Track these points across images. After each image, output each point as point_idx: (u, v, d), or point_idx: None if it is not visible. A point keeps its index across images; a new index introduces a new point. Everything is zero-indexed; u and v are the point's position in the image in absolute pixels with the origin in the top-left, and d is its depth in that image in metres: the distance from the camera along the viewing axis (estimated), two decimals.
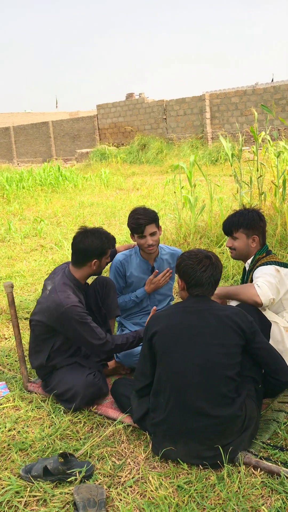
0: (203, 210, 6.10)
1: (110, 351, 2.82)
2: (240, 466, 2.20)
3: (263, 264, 2.83)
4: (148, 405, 2.42)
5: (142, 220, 3.12)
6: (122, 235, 7.21)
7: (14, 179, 13.97)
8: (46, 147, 26.87)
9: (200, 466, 2.23)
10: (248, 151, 14.80)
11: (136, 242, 3.28)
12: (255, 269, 2.85)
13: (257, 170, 5.94)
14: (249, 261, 2.96)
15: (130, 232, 3.27)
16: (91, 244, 2.86)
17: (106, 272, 4.80)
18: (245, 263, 3.01)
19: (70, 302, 2.73)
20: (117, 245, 3.60)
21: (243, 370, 2.35)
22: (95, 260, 2.90)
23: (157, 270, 3.29)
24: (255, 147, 7.68)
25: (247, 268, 2.99)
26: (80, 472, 2.21)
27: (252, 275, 2.84)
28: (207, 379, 2.21)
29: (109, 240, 2.96)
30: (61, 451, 2.41)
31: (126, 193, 11.87)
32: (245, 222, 2.89)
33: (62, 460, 2.29)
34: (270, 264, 2.82)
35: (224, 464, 2.19)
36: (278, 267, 2.80)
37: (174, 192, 6.52)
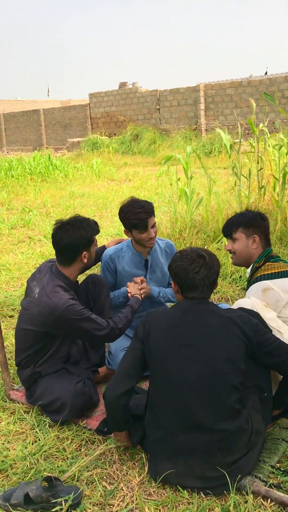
0: (199, 204, 5.81)
1: (117, 336, 2.64)
2: (247, 495, 1.95)
3: (255, 280, 2.57)
4: (144, 426, 2.16)
5: (144, 214, 2.87)
6: (114, 228, 6.93)
7: (3, 167, 13.61)
8: (37, 136, 26.38)
9: (202, 494, 1.98)
10: (242, 144, 14.53)
11: (132, 237, 3.00)
12: (252, 282, 2.59)
13: (258, 163, 5.67)
14: (248, 270, 2.69)
15: (125, 228, 3.00)
16: (74, 237, 2.58)
17: (97, 268, 4.53)
18: (247, 268, 2.73)
19: (64, 302, 2.46)
20: (106, 242, 3.34)
21: (246, 380, 2.10)
22: (84, 252, 2.63)
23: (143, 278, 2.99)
24: (252, 140, 7.42)
25: (248, 277, 2.72)
26: (66, 501, 1.95)
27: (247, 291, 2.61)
28: (210, 389, 1.97)
29: (92, 226, 2.67)
30: (45, 473, 2.15)
31: (118, 184, 11.57)
32: (244, 220, 2.65)
33: (46, 484, 2.03)
34: (261, 279, 2.54)
35: (230, 493, 1.93)
36: (268, 284, 2.49)
37: (170, 184, 6.24)
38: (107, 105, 22.72)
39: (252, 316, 2.18)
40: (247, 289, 2.68)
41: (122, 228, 7.12)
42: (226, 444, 1.96)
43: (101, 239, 6.21)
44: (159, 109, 20.70)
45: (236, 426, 1.96)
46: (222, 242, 4.94)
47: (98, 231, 2.73)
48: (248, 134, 16.37)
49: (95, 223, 2.75)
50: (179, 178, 6.07)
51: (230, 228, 2.69)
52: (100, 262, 3.25)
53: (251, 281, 2.61)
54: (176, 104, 20.10)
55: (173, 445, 2.01)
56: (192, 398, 1.98)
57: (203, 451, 1.96)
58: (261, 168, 5.65)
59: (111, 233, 6.64)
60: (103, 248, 3.25)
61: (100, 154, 18.28)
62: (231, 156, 6.08)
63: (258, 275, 2.57)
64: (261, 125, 7.14)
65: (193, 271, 2.11)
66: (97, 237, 2.78)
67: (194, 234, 5.28)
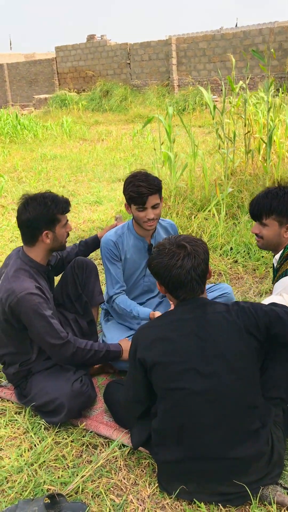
0: (184, 169, 5.53)
1: (70, 356, 2.29)
2: (271, 505, 1.80)
3: (285, 273, 2.28)
4: (149, 429, 1.97)
5: (145, 189, 2.54)
6: (92, 194, 6.58)
7: None
8: (1, 92, 25.13)
9: (221, 506, 1.82)
10: (216, 101, 14.06)
11: (132, 215, 2.72)
12: (282, 274, 2.31)
13: (245, 125, 5.39)
14: (277, 256, 2.42)
15: (126, 201, 2.70)
16: (33, 213, 2.31)
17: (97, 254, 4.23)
18: (274, 254, 2.48)
19: (24, 289, 2.21)
20: (85, 211, 3.03)
21: (266, 390, 1.91)
22: (45, 232, 2.34)
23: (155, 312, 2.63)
24: (231, 97, 7.08)
25: (275, 265, 2.47)
26: None
27: (277, 281, 2.35)
28: (224, 416, 1.76)
29: (57, 203, 2.37)
30: (45, 486, 1.95)
31: (91, 144, 11.09)
32: (280, 207, 2.30)
33: (48, 500, 1.84)
34: None
35: (252, 505, 1.78)
36: None
37: (154, 150, 5.90)
38: (74, 59, 21.70)
39: (283, 312, 1.91)
40: (273, 279, 2.46)
41: (101, 194, 6.81)
42: (243, 468, 1.78)
43: (79, 207, 5.87)
44: (129, 63, 19.89)
45: (254, 451, 1.76)
46: (210, 211, 4.70)
47: (65, 210, 2.43)
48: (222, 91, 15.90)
49: (66, 202, 2.45)
50: (163, 142, 5.74)
51: (261, 211, 2.36)
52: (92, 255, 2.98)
53: (280, 269, 2.37)
54: (147, 59, 19.33)
55: (183, 469, 1.84)
56: (205, 428, 1.77)
57: (217, 475, 1.79)
58: (248, 131, 5.38)
59: (89, 200, 6.30)
60: (96, 238, 2.96)
61: (69, 111, 17.52)
62: (214, 117, 5.77)
63: None
64: (240, 82, 6.81)
65: (175, 266, 1.84)
66: (74, 205, 2.47)
67: (179, 203, 5.02)
